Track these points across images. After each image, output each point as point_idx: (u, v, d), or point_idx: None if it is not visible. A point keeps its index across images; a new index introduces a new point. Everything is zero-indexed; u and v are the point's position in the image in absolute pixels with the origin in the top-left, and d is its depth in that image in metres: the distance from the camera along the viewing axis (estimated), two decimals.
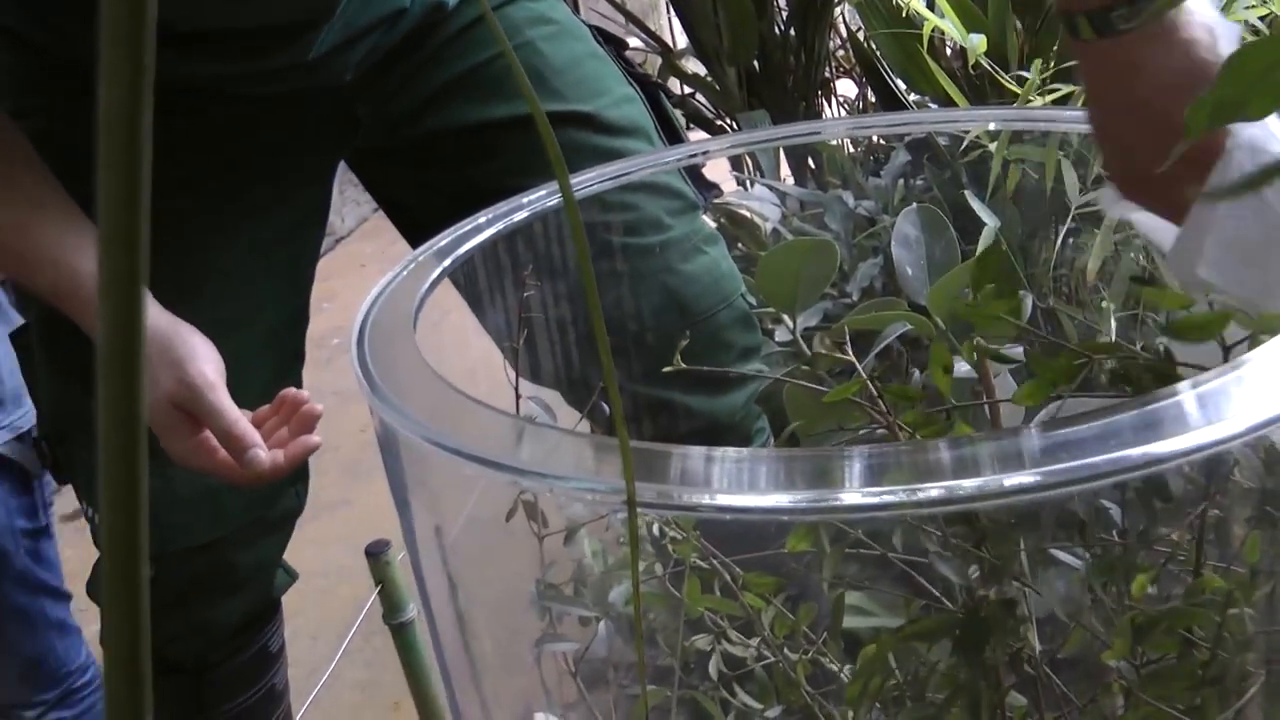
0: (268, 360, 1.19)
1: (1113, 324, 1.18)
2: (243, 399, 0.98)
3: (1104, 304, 1.19)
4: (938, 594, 0.70)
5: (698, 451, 0.50)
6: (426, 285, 0.71)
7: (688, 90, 2.37)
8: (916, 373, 0.97)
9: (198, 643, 1.29)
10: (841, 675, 0.71)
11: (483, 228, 0.81)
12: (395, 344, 0.64)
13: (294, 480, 1.28)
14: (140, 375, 0.20)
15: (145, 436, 0.20)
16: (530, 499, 0.68)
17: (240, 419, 0.95)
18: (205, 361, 0.97)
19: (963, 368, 0.86)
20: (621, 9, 2.30)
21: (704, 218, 1.22)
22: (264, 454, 0.95)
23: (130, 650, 0.20)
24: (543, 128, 0.34)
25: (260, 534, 1.26)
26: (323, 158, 1.22)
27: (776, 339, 1.23)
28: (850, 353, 0.74)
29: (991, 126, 1.25)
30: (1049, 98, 1.41)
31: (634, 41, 2.52)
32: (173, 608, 1.23)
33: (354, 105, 1.17)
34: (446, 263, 0.76)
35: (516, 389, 0.74)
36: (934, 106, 1.81)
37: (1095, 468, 0.43)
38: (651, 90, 1.27)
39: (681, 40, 2.49)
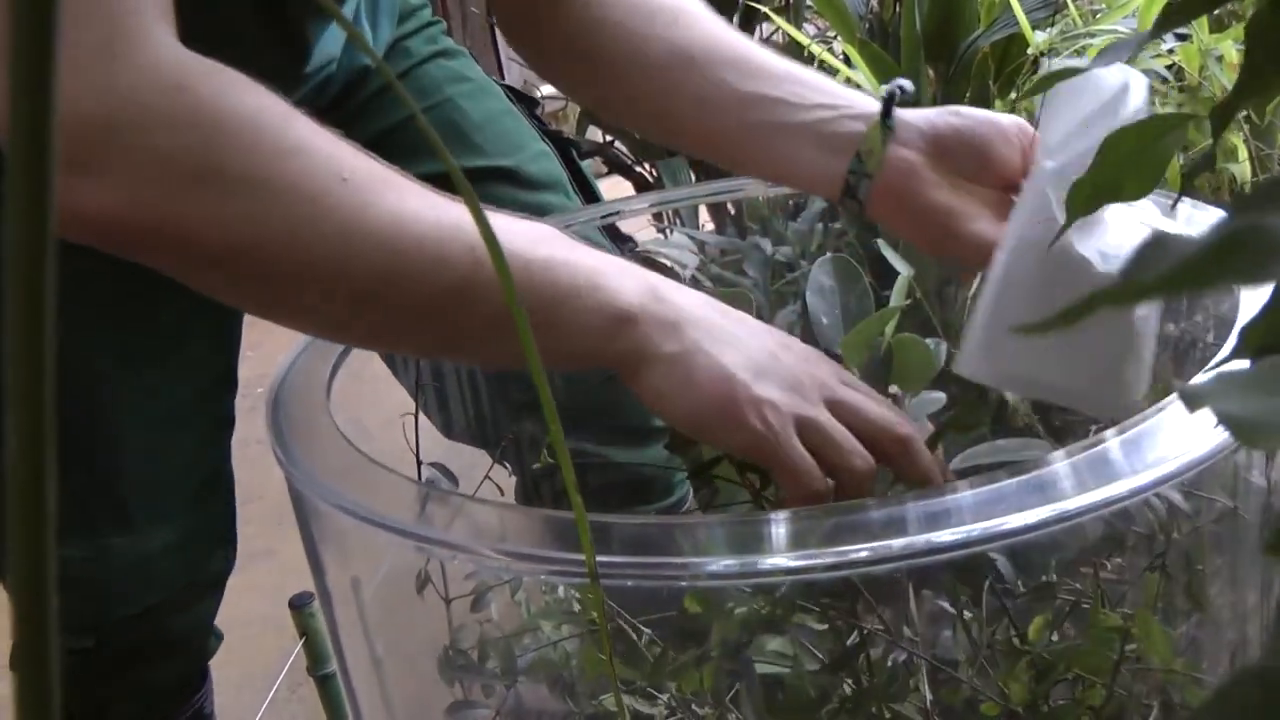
0: (193, 434, 1.18)
1: None
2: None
3: None
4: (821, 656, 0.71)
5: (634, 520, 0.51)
6: (341, 348, 0.72)
7: (608, 138, 2.39)
8: None
9: (133, 708, 1.28)
10: None
11: None
12: (310, 408, 0.64)
13: (223, 544, 1.28)
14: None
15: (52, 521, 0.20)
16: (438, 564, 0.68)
17: None
18: None
19: None
20: None
21: None
22: None
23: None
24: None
25: (194, 598, 1.25)
26: None
27: None
28: None
29: None
30: None
31: (550, 89, 2.53)
32: (111, 675, 1.22)
33: None
34: None
35: (418, 458, 0.74)
36: None
37: (974, 534, 0.44)
38: (564, 146, 1.28)
39: None
